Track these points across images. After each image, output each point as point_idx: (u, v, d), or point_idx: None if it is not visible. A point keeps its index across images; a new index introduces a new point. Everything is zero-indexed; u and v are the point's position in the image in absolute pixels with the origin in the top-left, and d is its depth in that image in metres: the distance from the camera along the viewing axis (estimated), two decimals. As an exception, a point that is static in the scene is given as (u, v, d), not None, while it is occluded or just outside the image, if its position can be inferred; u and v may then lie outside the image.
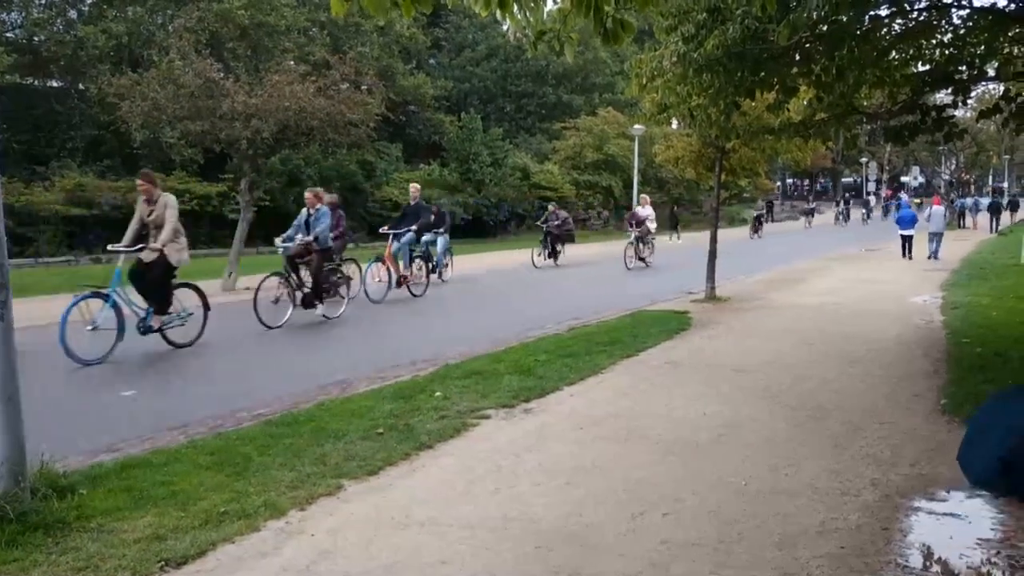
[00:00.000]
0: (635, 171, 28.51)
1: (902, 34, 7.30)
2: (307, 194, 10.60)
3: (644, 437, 4.89)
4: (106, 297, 7.61)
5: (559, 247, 18.97)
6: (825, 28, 6.41)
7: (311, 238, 9.96)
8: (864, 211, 44.92)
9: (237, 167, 24.65)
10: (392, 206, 25.31)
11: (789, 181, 68.06)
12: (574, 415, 5.43)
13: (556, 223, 18.95)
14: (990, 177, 66.36)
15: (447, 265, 15.49)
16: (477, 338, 8.70)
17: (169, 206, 8.03)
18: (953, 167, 52.85)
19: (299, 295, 9.95)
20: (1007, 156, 55.07)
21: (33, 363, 6.90)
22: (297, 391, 6.26)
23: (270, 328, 9.28)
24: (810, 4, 5.29)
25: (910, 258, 19.55)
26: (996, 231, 31.58)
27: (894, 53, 7.45)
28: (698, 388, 6.20)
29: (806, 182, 66.57)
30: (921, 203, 36.03)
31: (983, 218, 35.41)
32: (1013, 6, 7.15)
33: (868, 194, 55.28)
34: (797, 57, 6.97)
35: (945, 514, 3.73)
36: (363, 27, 30.91)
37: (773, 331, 8.96)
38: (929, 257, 19.32)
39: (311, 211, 10.21)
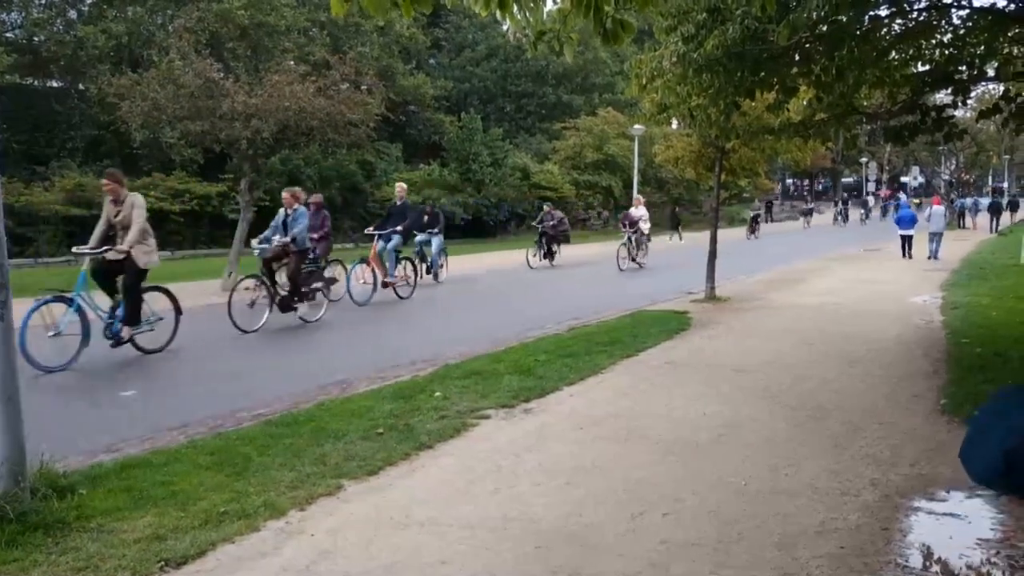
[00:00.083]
0: (635, 171, 28.50)
1: (902, 34, 7.30)
2: (284, 194, 10.31)
3: (644, 437, 4.89)
4: (70, 301, 7.28)
5: (555, 247, 18.85)
6: (825, 28, 6.41)
7: (288, 239, 9.70)
8: (862, 211, 44.85)
9: (237, 167, 24.64)
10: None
11: (789, 181, 68.06)
12: (574, 415, 5.43)
13: (551, 223, 18.78)
14: (990, 177, 66.39)
15: (443, 266, 15.30)
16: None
17: (136, 206, 7.64)
18: (953, 167, 52.85)
19: (277, 298, 9.63)
20: (1007, 156, 55.07)
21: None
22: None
23: (245, 332, 8.98)
24: (810, 4, 5.30)
25: (910, 258, 19.57)
26: (996, 231, 31.59)
27: (894, 53, 7.46)
28: (698, 388, 6.20)
29: (806, 182, 66.56)
30: (920, 203, 36.00)
31: (983, 218, 35.41)
32: (1013, 6, 7.16)
33: (867, 194, 55.25)
34: (797, 57, 6.98)
35: (945, 514, 3.73)
36: (363, 27, 30.92)
37: (773, 331, 8.96)
38: (929, 257, 19.33)
39: (289, 212, 9.95)
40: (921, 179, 59.40)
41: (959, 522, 3.64)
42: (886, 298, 11.87)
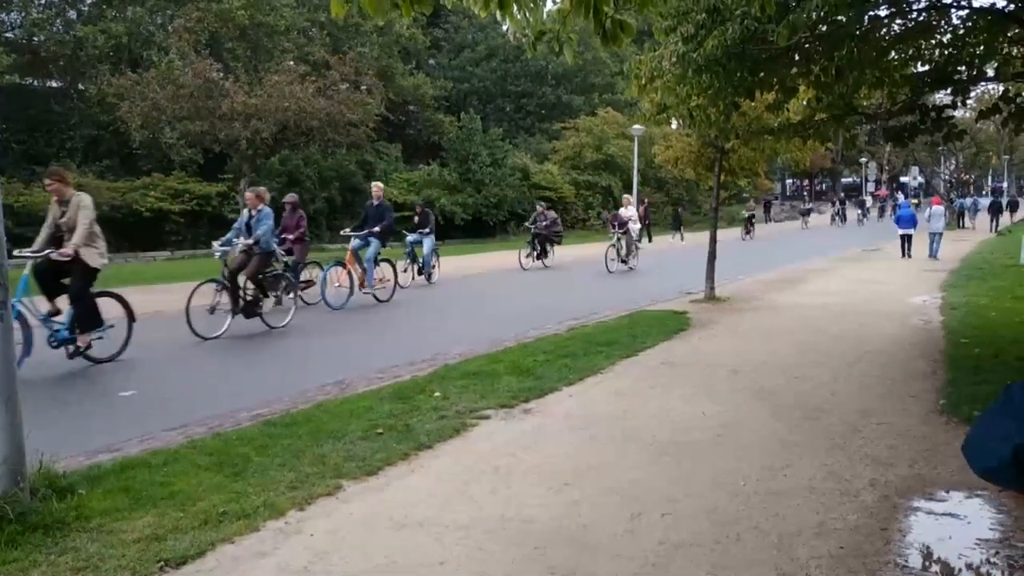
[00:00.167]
0: (635, 171, 28.52)
1: (901, 34, 7.31)
2: (248, 194, 9.79)
3: (642, 438, 4.90)
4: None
5: (548, 248, 18.61)
6: (824, 28, 6.42)
7: (251, 241, 9.25)
8: (860, 211, 44.87)
9: (236, 167, 24.73)
10: (392, 206, 25.28)
11: (789, 181, 68.07)
12: (573, 416, 5.43)
13: (545, 224, 18.53)
14: (989, 177, 66.41)
15: (435, 266, 15.05)
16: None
17: (82, 207, 7.14)
18: (953, 167, 52.86)
19: (238, 303, 9.18)
20: (1006, 156, 55.08)
21: (29, 362, 6.92)
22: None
23: (205, 339, 8.55)
24: (809, 4, 5.30)
25: (909, 257, 19.59)
26: (995, 231, 31.61)
27: (893, 53, 7.46)
28: (696, 389, 6.20)
29: (805, 182, 66.58)
30: (919, 203, 35.98)
31: (982, 218, 35.40)
32: (1012, 6, 7.16)
33: (866, 194, 55.22)
34: (796, 57, 6.98)
35: (944, 514, 3.73)
36: (363, 27, 30.95)
37: (772, 331, 8.97)
38: (930, 257, 19.35)
39: (253, 212, 9.46)
40: (921, 179, 59.37)
41: (958, 522, 3.64)
42: (885, 298, 11.88)
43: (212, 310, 8.88)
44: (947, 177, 49.24)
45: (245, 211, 9.62)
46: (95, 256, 7.26)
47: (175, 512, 3.63)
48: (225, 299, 9.05)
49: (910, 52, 7.79)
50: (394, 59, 33.42)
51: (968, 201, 43.08)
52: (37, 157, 23.46)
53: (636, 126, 26.32)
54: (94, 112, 24.77)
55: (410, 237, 14.75)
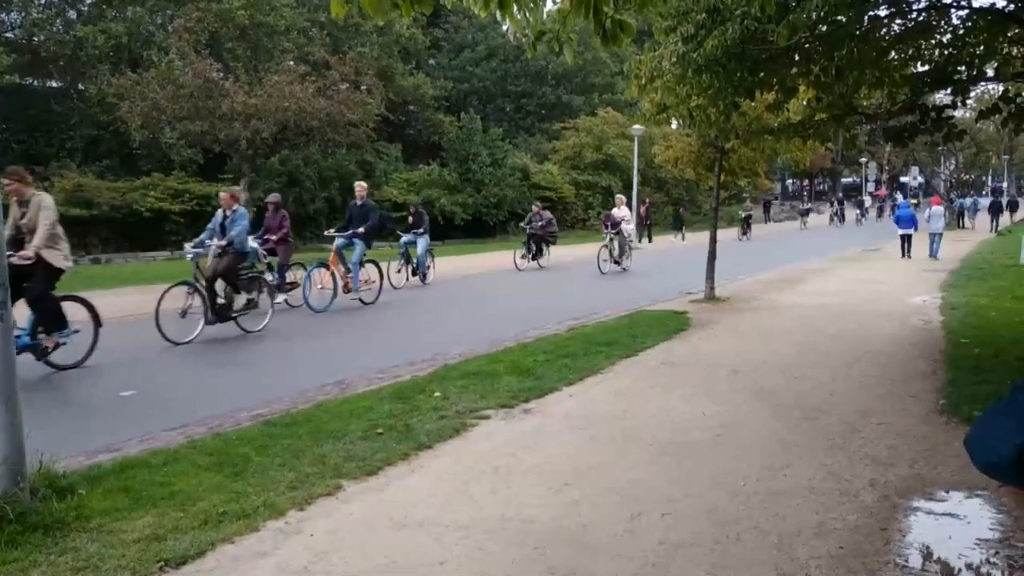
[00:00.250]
0: (635, 171, 28.51)
1: (901, 34, 7.31)
2: (222, 194, 9.47)
3: (642, 438, 4.90)
4: None
5: (544, 248, 18.43)
6: (824, 28, 6.42)
7: (224, 242, 8.96)
8: (858, 211, 44.80)
9: (236, 167, 24.73)
10: (392, 206, 25.33)
11: (789, 181, 68.04)
12: (573, 416, 5.43)
13: (540, 224, 18.33)
14: (989, 177, 66.35)
15: (429, 267, 14.91)
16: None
17: (43, 207, 6.85)
18: (952, 167, 52.85)
19: (215, 307, 8.85)
20: (1006, 156, 55.05)
21: (26, 362, 6.93)
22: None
23: (176, 344, 8.27)
24: (809, 4, 5.30)
25: (909, 257, 19.59)
26: (995, 231, 31.61)
27: (893, 53, 7.46)
28: (696, 389, 6.20)
29: (805, 182, 66.57)
30: (918, 203, 35.93)
31: (982, 218, 35.38)
32: (1012, 6, 7.16)
33: (865, 194, 55.16)
34: (796, 57, 6.98)
35: (944, 514, 3.73)
36: (363, 27, 30.95)
37: (772, 331, 8.97)
38: (930, 257, 19.35)
39: (227, 212, 9.17)
40: (921, 179, 59.39)
41: (958, 522, 3.65)
42: (885, 298, 11.88)
43: (184, 314, 8.53)
44: (947, 177, 49.20)
45: (219, 211, 9.31)
46: (59, 258, 6.99)
47: (175, 512, 3.63)
48: (197, 302, 8.71)
49: (910, 52, 7.79)
50: (394, 59, 33.42)
51: (968, 201, 43.04)
52: (37, 157, 23.45)
53: (636, 126, 26.31)
54: (94, 112, 24.75)
55: (405, 237, 14.66)
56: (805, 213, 41.02)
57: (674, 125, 12.56)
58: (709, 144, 12.23)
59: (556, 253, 19.43)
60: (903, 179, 66.46)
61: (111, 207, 22.15)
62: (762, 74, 6.88)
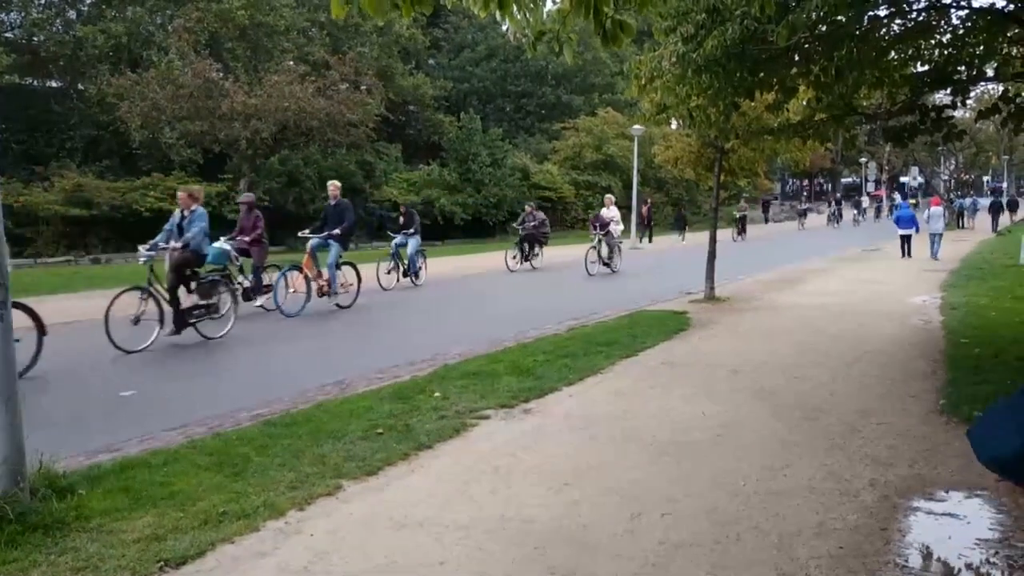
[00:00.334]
0: (634, 171, 28.51)
1: (901, 35, 7.31)
2: (180, 193, 9.09)
3: (642, 438, 4.90)
4: None
5: (536, 249, 18.27)
6: (824, 28, 6.42)
7: (180, 244, 8.54)
8: (856, 212, 44.74)
9: (236, 167, 24.73)
10: (392, 206, 25.32)
11: (789, 181, 68.02)
12: (573, 416, 5.43)
13: (533, 224, 18.13)
14: (988, 177, 66.41)
15: (421, 267, 14.76)
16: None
17: None
18: (952, 167, 52.87)
19: (177, 314, 8.48)
20: (1006, 156, 55.10)
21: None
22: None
23: (128, 352, 7.82)
24: (809, 5, 5.30)
25: (909, 257, 19.60)
26: (995, 231, 31.61)
27: (893, 53, 7.47)
28: (696, 389, 6.20)
29: (805, 182, 66.56)
30: (917, 203, 35.90)
31: (982, 218, 35.37)
32: (1012, 6, 7.16)
33: (864, 194, 55.14)
34: (796, 58, 6.98)
35: (944, 514, 3.73)
36: (362, 27, 30.94)
37: (771, 331, 8.97)
38: (930, 257, 19.35)
39: (185, 213, 8.77)
40: (920, 179, 59.43)
41: (958, 522, 3.65)
42: (885, 299, 11.88)
43: (136, 320, 8.09)
44: (947, 177, 49.24)
45: (177, 211, 8.92)
46: None
47: (175, 512, 3.63)
48: (152, 308, 8.23)
49: (910, 52, 7.80)
50: (394, 59, 33.41)
51: (968, 201, 43.06)
52: (37, 157, 23.46)
53: (636, 126, 26.32)
54: (94, 112, 24.75)
55: (396, 239, 14.60)
56: (803, 213, 40.94)
57: (674, 125, 12.55)
58: (709, 144, 12.24)
59: (553, 253, 19.39)
60: (903, 179, 66.44)
61: (111, 207, 22.14)
62: (762, 74, 6.88)
